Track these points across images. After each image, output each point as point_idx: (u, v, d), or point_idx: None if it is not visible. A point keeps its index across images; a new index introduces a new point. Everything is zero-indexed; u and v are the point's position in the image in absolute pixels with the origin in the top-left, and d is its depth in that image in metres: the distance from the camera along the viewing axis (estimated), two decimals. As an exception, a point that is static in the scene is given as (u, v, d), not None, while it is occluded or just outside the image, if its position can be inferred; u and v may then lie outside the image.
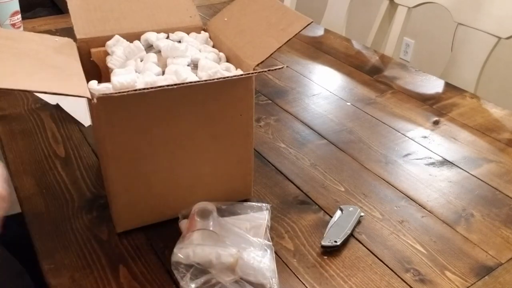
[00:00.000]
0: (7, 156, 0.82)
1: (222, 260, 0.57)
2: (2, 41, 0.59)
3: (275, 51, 0.61)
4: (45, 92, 0.49)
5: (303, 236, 0.67)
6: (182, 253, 0.57)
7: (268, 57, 0.61)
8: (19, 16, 1.22)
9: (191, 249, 0.57)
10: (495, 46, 1.21)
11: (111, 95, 0.52)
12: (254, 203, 0.68)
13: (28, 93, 1.02)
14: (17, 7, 1.20)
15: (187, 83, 0.56)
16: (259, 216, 0.66)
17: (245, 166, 0.69)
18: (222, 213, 0.65)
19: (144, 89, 0.53)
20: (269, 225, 0.66)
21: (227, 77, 0.59)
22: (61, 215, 0.69)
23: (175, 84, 0.55)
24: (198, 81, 0.57)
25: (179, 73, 0.62)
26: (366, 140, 0.90)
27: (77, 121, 0.93)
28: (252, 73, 0.59)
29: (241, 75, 0.61)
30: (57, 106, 0.97)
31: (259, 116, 0.97)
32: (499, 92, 2.12)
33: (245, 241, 0.61)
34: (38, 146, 0.85)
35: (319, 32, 1.45)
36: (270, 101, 1.04)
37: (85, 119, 0.93)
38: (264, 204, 0.68)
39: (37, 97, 1.01)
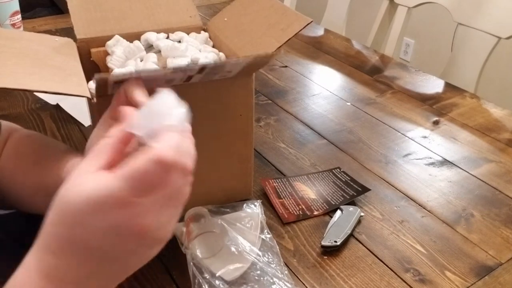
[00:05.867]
0: (7, 156, 0.82)
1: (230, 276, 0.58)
2: (1, 41, 0.59)
3: (275, 50, 0.61)
4: (46, 92, 0.49)
5: (303, 236, 0.67)
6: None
7: None
8: (19, 16, 1.22)
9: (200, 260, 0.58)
10: (495, 46, 1.21)
11: (107, 78, 0.51)
12: (244, 201, 0.68)
13: (28, 93, 1.02)
14: (17, 7, 1.20)
15: (184, 67, 0.54)
16: (252, 212, 0.66)
17: (245, 166, 0.69)
18: (214, 214, 0.65)
19: (141, 71, 0.51)
20: (264, 219, 0.67)
21: (225, 62, 0.57)
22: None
23: (173, 68, 0.52)
24: (196, 65, 0.55)
25: (179, 72, 0.62)
26: (366, 140, 0.90)
27: (77, 121, 0.93)
28: (249, 58, 0.57)
29: (238, 58, 0.59)
30: (57, 106, 0.97)
31: (259, 116, 0.97)
32: (499, 92, 2.12)
33: (243, 234, 0.61)
34: (38, 146, 0.85)
35: (319, 32, 1.45)
36: (270, 101, 1.04)
37: (85, 119, 0.93)
38: (255, 201, 0.68)
39: (37, 97, 1.01)
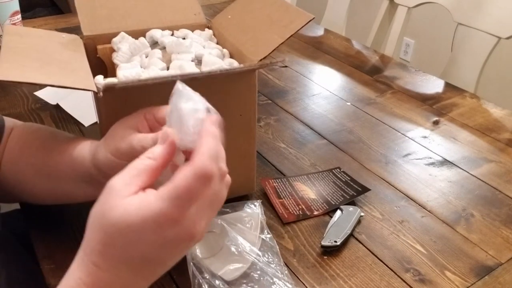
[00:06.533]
0: (7, 156, 0.82)
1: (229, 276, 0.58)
2: (10, 37, 0.59)
3: (278, 47, 0.61)
4: (53, 85, 0.49)
5: (303, 236, 0.67)
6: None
7: (271, 52, 0.61)
8: (19, 16, 1.21)
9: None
10: (495, 46, 1.21)
11: (115, 85, 0.52)
12: (244, 201, 0.69)
13: (28, 93, 1.02)
14: (17, 7, 1.20)
15: (191, 73, 0.55)
16: (252, 212, 0.66)
17: (249, 161, 0.70)
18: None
19: (148, 79, 0.52)
20: (264, 219, 0.67)
21: (230, 69, 0.59)
22: (61, 215, 0.69)
23: (180, 75, 0.54)
24: (202, 73, 0.57)
25: (184, 68, 0.62)
26: (366, 140, 0.90)
27: (77, 121, 0.93)
28: (253, 66, 0.59)
29: (243, 66, 0.60)
30: (57, 106, 0.97)
31: (259, 116, 0.97)
32: (499, 92, 2.12)
33: (243, 234, 0.61)
34: (38, 146, 0.85)
35: (319, 32, 1.45)
36: (270, 101, 1.04)
37: (85, 119, 0.93)
38: (255, 201, 0.68)
39: (37, 97, 1.01)
